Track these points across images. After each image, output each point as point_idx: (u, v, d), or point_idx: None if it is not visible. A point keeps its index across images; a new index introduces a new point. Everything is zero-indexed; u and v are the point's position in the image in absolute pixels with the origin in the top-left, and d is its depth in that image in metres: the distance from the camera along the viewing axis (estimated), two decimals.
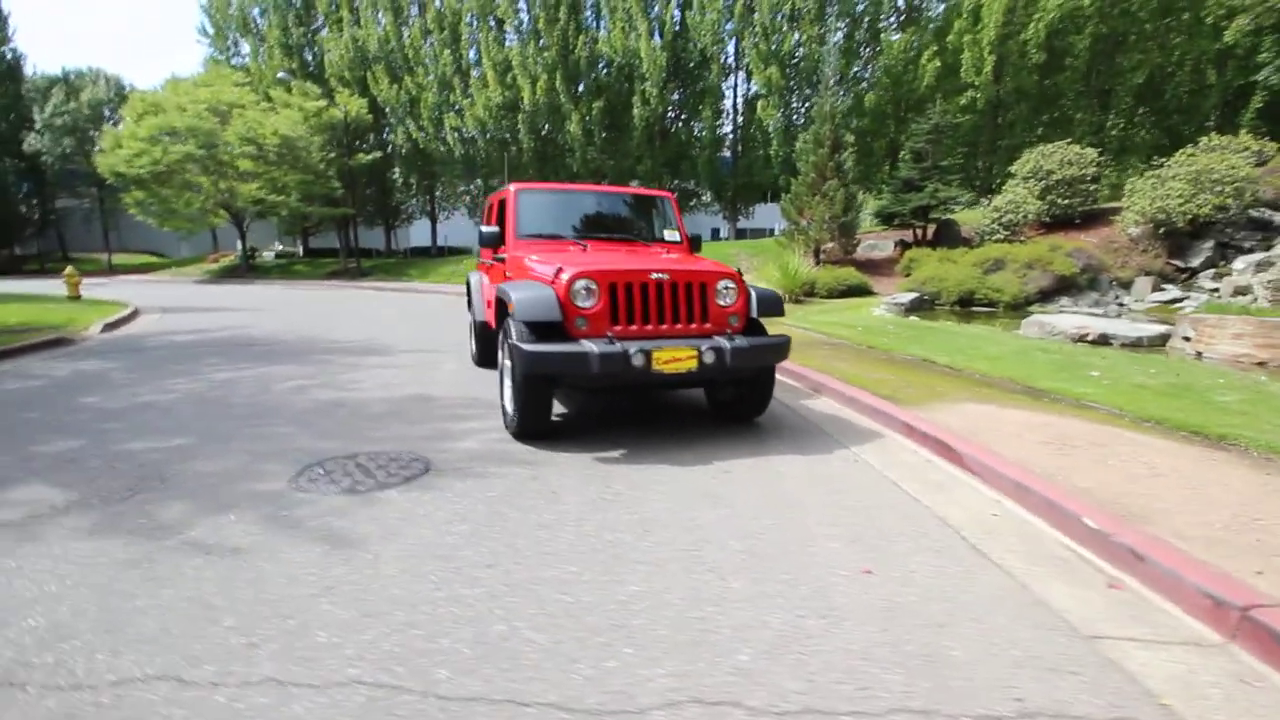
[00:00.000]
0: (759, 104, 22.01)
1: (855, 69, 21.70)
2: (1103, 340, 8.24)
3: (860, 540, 2.79)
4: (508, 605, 2.21)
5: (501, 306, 4.50)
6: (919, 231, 18.64)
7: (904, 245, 18.83)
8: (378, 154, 28.26)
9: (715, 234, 33.11)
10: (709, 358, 3.89)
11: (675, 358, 3.82)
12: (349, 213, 27.66)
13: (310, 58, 30.45)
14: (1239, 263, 13.86)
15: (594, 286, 3.91)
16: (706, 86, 24.42)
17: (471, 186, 29.57)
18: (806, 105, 22.96)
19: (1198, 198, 14.23)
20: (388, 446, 3.97)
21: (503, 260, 5.13)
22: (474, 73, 26.28)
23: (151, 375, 6.29)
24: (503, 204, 5.64)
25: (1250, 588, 2.24)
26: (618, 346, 3.71)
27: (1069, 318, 9.24)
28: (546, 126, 25.94)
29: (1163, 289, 14.22)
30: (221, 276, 29.94)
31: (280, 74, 28.34)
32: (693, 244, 5.52)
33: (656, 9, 24.43)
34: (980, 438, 4.02)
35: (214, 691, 1.75)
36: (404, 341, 8.79)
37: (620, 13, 24.26)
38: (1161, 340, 8.26)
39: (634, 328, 3.97)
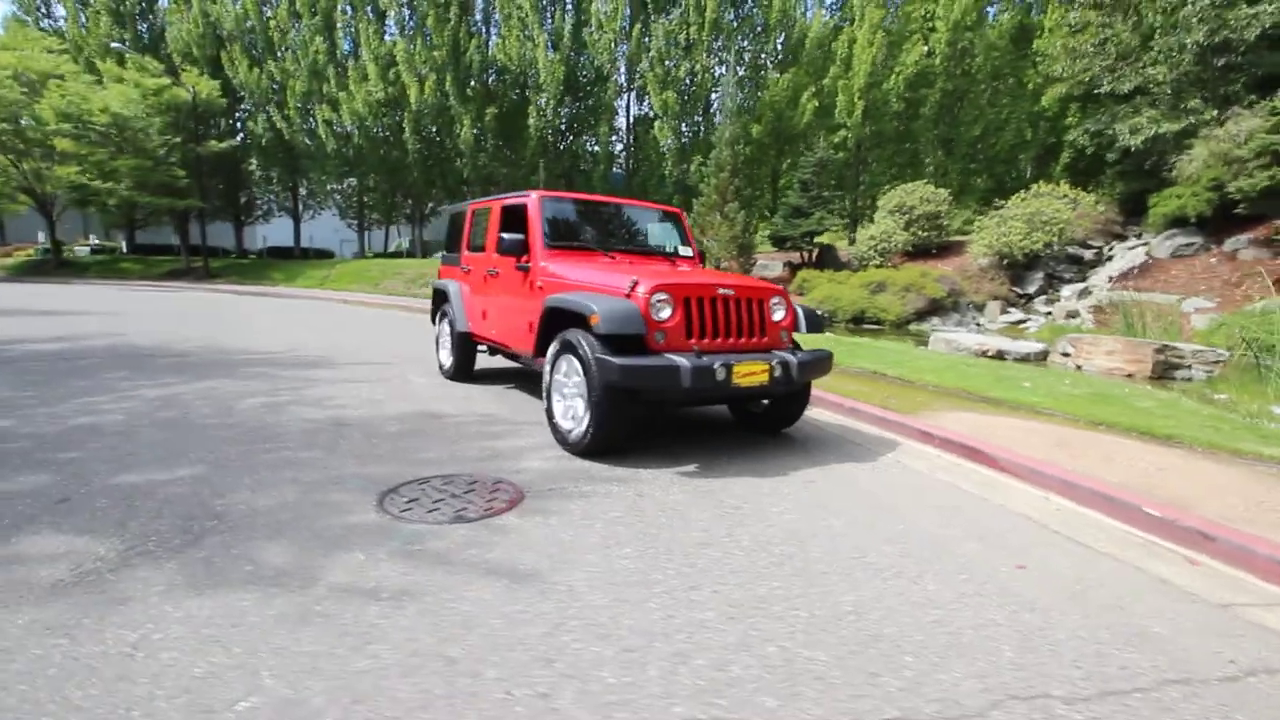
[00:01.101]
0: (656, 125, 22.70)
1: (740, 100, 23.12)
2: (999, 355, 9.51)
3: (984, 538, 3.05)
4: (755, 626, 2.15)
5: (555, 318, 4.29)
6: (805, 255, 20.24)
7: (791, 266, 20.35)
8: (233, 142, 25.22)
9: None
10: (778, 371, 4.01)
11: (752, 371, 3.90)
12: (197, 205, 24.31)
13: (145, 29, 26.55)
14: (1065, 290, 16.66)
15: (670, 300, 3.89)
16: (602, 103, 24.73)
17: (345, 185, 27.38)
18: (695, 130, 24.06)
19: (1032, 235, 16.89)
20: (449, 469, 3.63)
21: (525, 269, 4.89)
22: (351, 64, 24.45)
23: (53, 393, 5.15)
24: (509, 211, 5.39)
25: None
26: (705, 360, 3.71)
27: (970, 336, 10.55)
28: (434, 129, 24.76)
29: (1008, 311, 16.66)
30: (23, 274, 24.95)
31: (113, 44, 24.35)
32: (703, 259, 5.64)
33: (551, 22, 24.39)
34: (994, 442, 4.51)
35: None
36: (335, 352, 7.95)
37: (515, 20, 23.89)
38: (1042, 355, 9.70)
39: (705, 341, 3.99)
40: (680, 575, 2.49)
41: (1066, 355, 9.18)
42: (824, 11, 22.66)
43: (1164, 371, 8.15)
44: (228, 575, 2.31)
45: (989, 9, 21.87)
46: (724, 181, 18.22)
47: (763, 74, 23.79)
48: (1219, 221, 15.30)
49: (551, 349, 4.22)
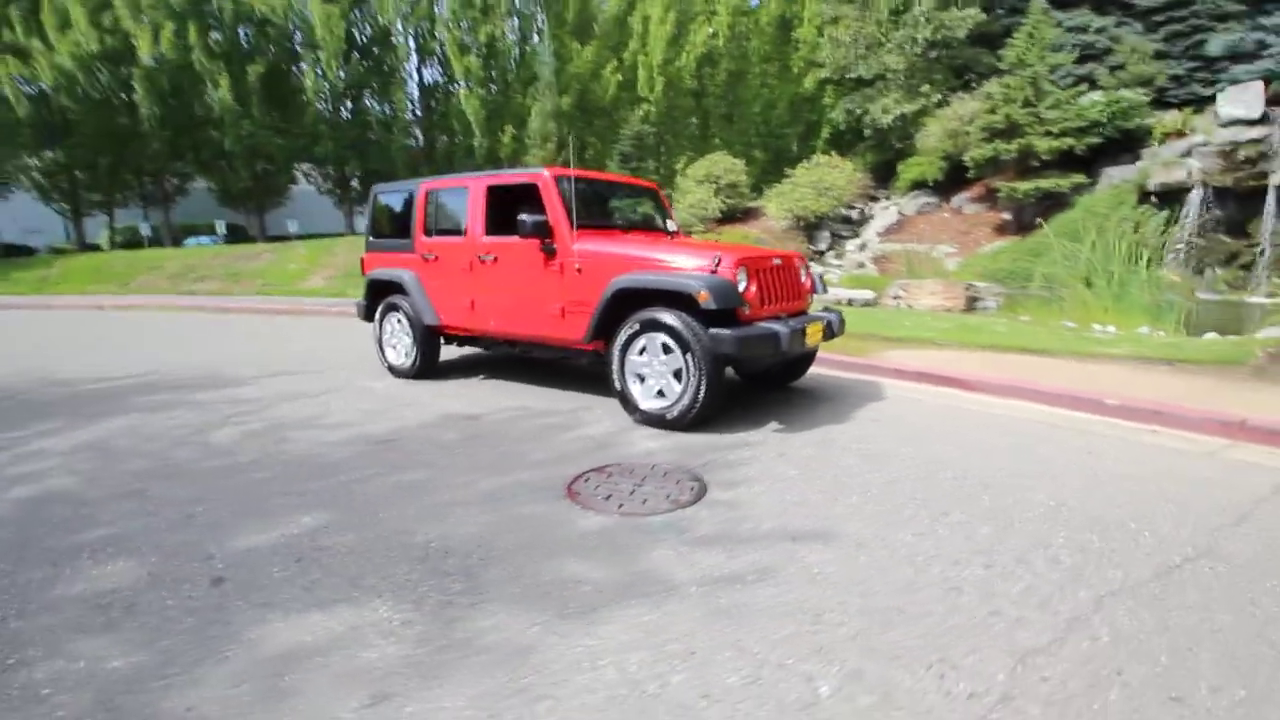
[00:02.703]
0: (461, 94, 21.40)
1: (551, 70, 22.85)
2: (849, 303, 11.21)
3: (1046, 441, 3.91)
4: (1032, 534, 2.64)
5: (623, 299, 4.23)
6: None
7: None
8: None
9: None
10: (827, 331, 4.53)
11: (814, 332, 4.35)
12: None
13: None
14: (849, 245, 19.80)
15: (748, 272, 4.13)
16: (393, 66, 22.53)
17: (40, 159, 21.30)
18: (499, 99, 23.22)
19: (819, 199, 19.67)
20: (583, 465, 3.50)
21: (551, 252, 4.66)
22: (47, 5, 18.83)
23: None
24: (501, 192, 5.08)
25: (1228, 412, 4.08)
26: (793, 324, 4.06)
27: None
28: (174, 90, 20.35)
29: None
30: None
31: None
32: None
33: None
34: (948, 370, 5.57)
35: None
36: (218, 367, 6.54)
37: None
38: (874, 301, 11.65)
39: (769, 308, 4.32)
40: (922, 508, 2.87)
41: (897, 298, 11.18)
42: None
43: (971, 304, 10.44)
44: (583, 599, 2.14)
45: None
46: (550, 154, 18.08)
47: (560, 44, 23.68)
48: (947, 184, 19.41)
49: (626, 331, 4.19)
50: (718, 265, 4.05)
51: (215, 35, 20.22)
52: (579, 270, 4.55)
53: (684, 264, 4.18)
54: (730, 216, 21.55)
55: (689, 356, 3.93)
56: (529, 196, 4.91)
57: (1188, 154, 14.02)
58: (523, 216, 4.58)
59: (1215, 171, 12.95)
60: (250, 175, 21.92)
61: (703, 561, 2.38)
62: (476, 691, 1.69)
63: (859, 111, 21.97)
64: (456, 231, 5.37)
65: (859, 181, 22.46)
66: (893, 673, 1.74)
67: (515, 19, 23.42)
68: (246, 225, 25.72)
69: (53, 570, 2.40)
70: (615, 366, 4.28)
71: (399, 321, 5.90)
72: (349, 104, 23.77)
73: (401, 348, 5.93)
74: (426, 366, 5.78)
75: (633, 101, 23.49)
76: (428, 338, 5.68)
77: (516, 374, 5.98)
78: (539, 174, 4.84)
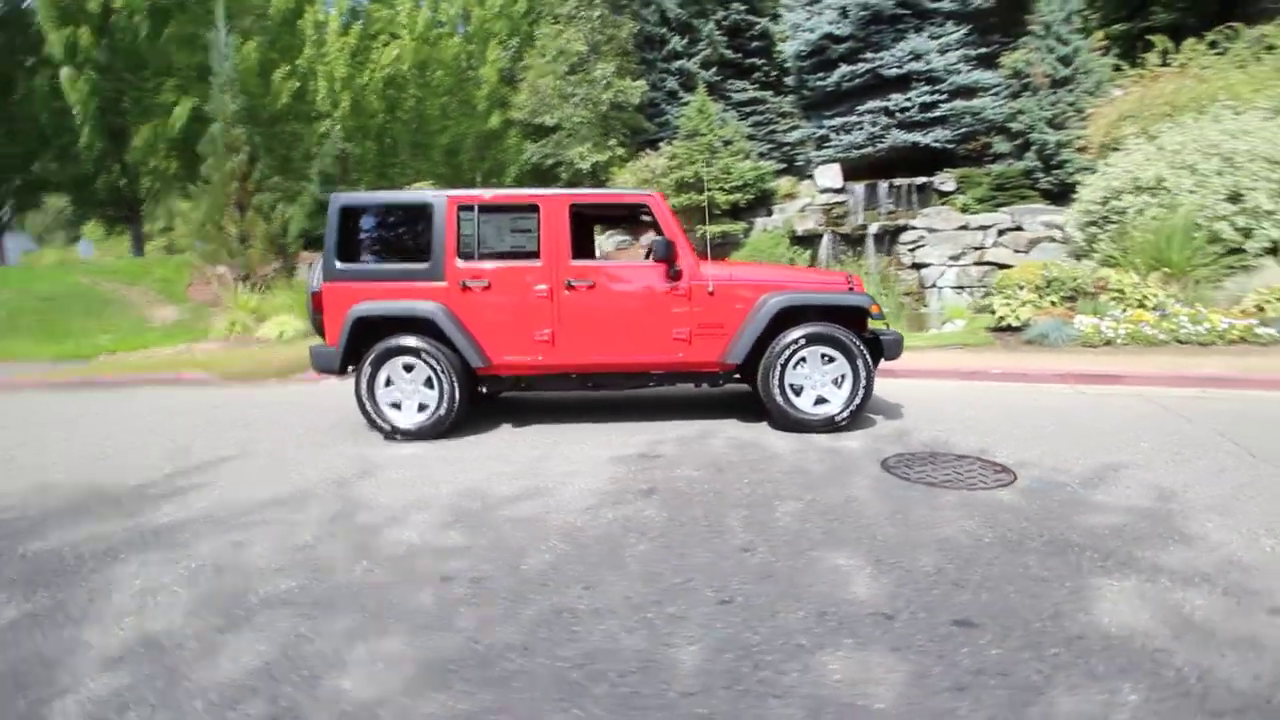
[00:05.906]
0: (65, 76, 15.40)
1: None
2: None
3: (1114, 406, 5.76)
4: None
5: (782, 317, 4.51)
6: None
7: None
8: None
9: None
10: None
11: None
12: None
13: None
14: None
15: None
16: None
17: None
18: (120, 89, 17.67)
19: None
20: (852, 473, 3.84)
21: (677, 274, 4.58)
22: None
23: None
24: (586, 211, 4.71)
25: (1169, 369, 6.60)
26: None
27: None
28: None
29: None
30: None
31: None
32: None
33: None
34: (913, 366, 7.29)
35: None
36: (75, 480, 4.02)
37: None
38: None
39: None
40: (1165, 447, 4.18)
41: None
42: None
43: None
44: (1162, 549, 2.74)
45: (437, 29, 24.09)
46: (240, 165, 14.73)
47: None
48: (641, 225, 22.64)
49: (789, 348, 4.50)
50: (852, 283, 4.77)
51: None
52: (712, 293, 4.64)
53: (828, 283, 4.76)
54: None
55: (857, 363, 4.53)
56: (623, 218, 4.67)
57: (803, 210, 19.61)
58: (657, 239, 4.45)
59: (825, 223, 18.58)
60: None
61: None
62: None
63: (550, 155, 23.75)
64: (522, 254, 4.69)
65: None
66: None
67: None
68: None
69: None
70: (775, 381, 4.55)
71: (406, 370, 4.71)
72: None
73: (415, 402, 4.74)
74: (460, 417, 4.78)
75: (309, 115, 20.61)
76: (468, 384, 4.73)
77: (547, 417, 5.38)
78: (650, 195, 4.71)
